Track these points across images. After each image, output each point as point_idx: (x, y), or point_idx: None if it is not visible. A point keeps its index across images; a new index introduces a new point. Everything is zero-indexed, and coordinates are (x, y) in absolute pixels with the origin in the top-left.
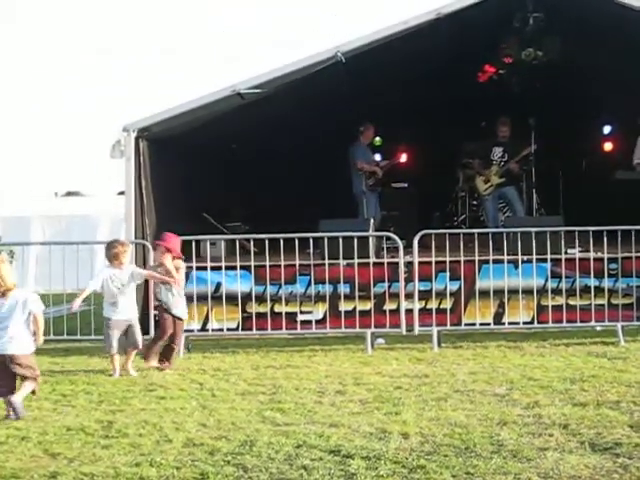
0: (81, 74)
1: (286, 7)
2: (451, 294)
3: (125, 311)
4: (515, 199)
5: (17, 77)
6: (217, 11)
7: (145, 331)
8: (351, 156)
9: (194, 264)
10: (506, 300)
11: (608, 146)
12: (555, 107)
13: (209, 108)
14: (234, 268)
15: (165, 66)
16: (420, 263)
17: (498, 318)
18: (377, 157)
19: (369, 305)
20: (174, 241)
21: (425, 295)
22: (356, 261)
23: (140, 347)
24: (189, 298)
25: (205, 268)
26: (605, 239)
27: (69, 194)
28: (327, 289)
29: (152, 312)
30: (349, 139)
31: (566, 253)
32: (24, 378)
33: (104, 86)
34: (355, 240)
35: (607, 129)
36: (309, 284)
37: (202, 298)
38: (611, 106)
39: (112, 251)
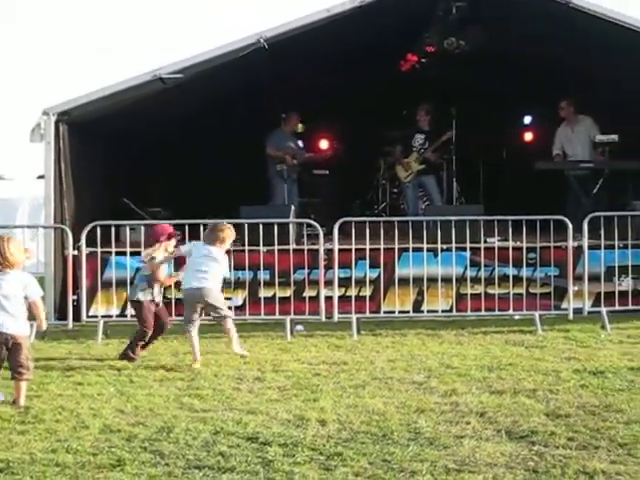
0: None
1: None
2: (370, 282)
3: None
4: (433, 188)
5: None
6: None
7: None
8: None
9: (113, 249)
10: (425, 288)
11: (528, 136)
12: (477, 97)
13: (130, 92)
14: None
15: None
16: (340, 250)
17: (417, 306)
18: (299, 144)
19: (289, 292)
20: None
21: (345, 282)
22: (276, 248)
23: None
24: (108, 284)
25: (124, 253)
26: (524, 228)
27: None
28: (247, 275)
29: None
30: (271, 125)
31: (485, 242)
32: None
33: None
34: (275, 227)
35: (527, 119)
36: (229, 270)
37: (121, 284)
38: (532, 96)
39: (218, 234)
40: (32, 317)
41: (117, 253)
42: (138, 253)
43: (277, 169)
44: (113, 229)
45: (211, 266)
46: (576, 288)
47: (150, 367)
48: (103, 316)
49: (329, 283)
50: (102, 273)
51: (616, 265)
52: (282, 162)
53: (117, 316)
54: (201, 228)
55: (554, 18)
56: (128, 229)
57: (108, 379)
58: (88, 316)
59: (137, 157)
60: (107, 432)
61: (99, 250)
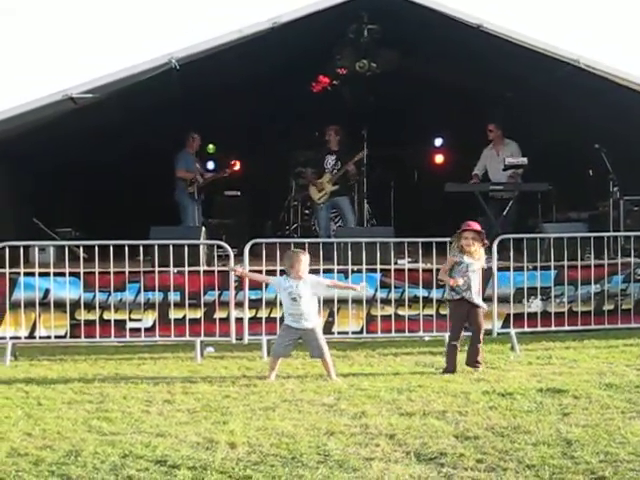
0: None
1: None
2: (281, 303)
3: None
4: (347, 209)
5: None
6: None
7: None
8: (174, 164)
9: (22, 270)
10: (336, 310)
11: (439, 158)
12: (388, 119)
13: (40, 113)
14: (63, 274)
15: None
16: (251, 272)
17: (328, 328)
18: (210, 165)
19: (199, 313)
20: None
21: (255, 304)
22: (186, 269)
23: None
24: (17, 305)
25: (33, 274)
26: (434, 250)
27: None
28: (157, 297)
29: None
30: (183, 146)
31: (396, 264)
32: None
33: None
34: (186, 248)
35: (439, 141)
36: (139, 291)
37: (30, 305)
38: (443, 119)
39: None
40: None
41: (26, 274)
42: (47, 274)
43: (189, 191)
44: (22, 249)
45: None
46: (486, 309)
47: (59, 389)
48: (11, 337)
49: (239, 304)
50: (11, 294)
51: (525, 286)
52: (193, 184)
53: (26, 338)
54: (111, 249)
55: (465, 41)
56: (37, 250)
57: (16, 402)
58: None
59: (47, 177)
60: (14, 456)
61: (7, 271)
